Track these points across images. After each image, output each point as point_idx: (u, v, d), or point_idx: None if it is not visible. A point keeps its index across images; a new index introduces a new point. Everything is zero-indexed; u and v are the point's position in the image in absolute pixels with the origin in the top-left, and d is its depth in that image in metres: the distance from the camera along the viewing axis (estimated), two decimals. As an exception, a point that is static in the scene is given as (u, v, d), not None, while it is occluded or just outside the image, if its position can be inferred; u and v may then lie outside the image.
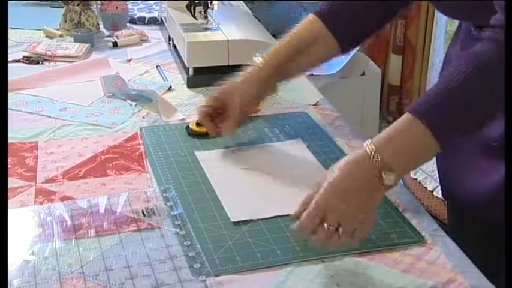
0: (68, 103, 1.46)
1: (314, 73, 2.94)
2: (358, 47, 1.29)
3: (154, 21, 1.98)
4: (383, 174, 0.91)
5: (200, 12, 1.66)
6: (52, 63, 1.69)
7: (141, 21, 1.98)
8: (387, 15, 1.23)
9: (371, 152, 0.92)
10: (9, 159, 1.21)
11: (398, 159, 0.92)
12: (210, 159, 1.21)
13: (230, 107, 1.23)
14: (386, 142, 0.93)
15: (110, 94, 1.50)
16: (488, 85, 0.91)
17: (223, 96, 1.25)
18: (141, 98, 1.47)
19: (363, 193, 0.92)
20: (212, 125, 1.26)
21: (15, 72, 1.57)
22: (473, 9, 1.00)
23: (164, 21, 1.85)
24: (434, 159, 2.05)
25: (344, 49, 1.22)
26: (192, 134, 1.31)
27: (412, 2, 1.23)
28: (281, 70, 1.22)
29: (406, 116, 0.94)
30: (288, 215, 1.04)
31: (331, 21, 1.19)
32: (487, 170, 1.03)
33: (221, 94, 1.26)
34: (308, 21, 1.21)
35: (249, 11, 1.95)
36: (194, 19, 1.66)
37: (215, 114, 1.26)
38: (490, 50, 0.91)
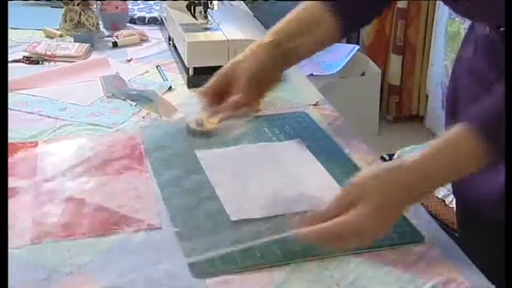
0: (68, 103, 1.46)
1: (314, 73, 2.95)
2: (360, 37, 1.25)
3: (154, 21, 1.98)
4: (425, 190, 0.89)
5: (200, 12, 1.66)
6: (52, 63, 1.69)
7: (141, 21, 1.98)
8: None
9: (411, 164, 0.88)
10: (9, 159, 1.20)
11: (441, 173, 0.88)
12: (210, 159, 1.21)
13: (235, 84, 1.12)
14: (430, 156, 0.88)
15: (110, 94, 1.50)
16: None
17: (225, 75, 1.15)
18: (141, 98, 1.47)
19: (398, 214, 0.89)
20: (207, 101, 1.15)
21: (15, 72, 1.57)
22: (487, 9, 1.00)
23: (164, 21, 1.85)
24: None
25: (345, 32, 1.19)
26: (192, 133, 1.31)
27: None
28: (285, 47, 1.15)
29: (459, 128, 0.89)
30: (288, 214, 1.04)
31: (332, 2, 1.15)
32: (499, 167, 1.02)
33: (223, 74, 1.16)
34: (309, 4, 1.17)
35: (249, 11, 1.95)
36: (194, 19, 1.66)
37: (218, 100, 1.14)
38: None
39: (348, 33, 1.22)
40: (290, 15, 1.17)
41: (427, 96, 3.36)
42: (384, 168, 0.90)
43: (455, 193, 1.21)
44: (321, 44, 1.19)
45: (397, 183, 0.87)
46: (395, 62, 3.35)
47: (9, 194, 1.09)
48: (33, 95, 1.50)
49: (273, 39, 1.14)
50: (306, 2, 1.18)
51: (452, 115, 1.21)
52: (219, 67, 1.54)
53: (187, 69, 1.56)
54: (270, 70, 1.14)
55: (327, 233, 0.87)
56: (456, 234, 1.69)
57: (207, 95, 1.15)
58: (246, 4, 2.05)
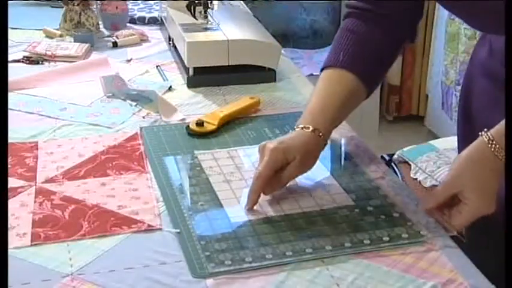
0: (68, 103, 1.46)
1: (314, 73, 2.95)
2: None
3: (154, 21, 1.98)
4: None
5: (200, 12, 1.66)
6: (52, 63, 1.69)
7: (141, 21, 1.98)
8: (397, 48, 1.26)
9: (489, 140, 0.97)
10: (9, 159, 1.20)
11: None
12: (210, 159, 1.21)
13: (286, 173, 1.09)
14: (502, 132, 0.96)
15: (110, 94, 1.50)
16: None
17: (281, 159, 1.09)
18: (141, 98, 1.47)
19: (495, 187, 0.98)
20: (257, 198, 1.08)
21: (15, 72, 1.57)
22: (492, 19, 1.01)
23: (164, 21, 1.85)
24: (434, 159, 2.05)
25: (370, 94, 1.22)
26: (192, 134, 1.31)
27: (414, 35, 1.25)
28: (329, 130, 1.16)
29: None
30: (288, 214, 1.05)
31: (363, 74, 1.18)
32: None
33: (279, 157, 1.08)
34: (341, 80, 1.18)
35: (249, 11, 1.95)
36: (194, 19, 1.66)
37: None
38: None
39: (372, 92, 1.25)
40: (325, 98, 1.17)
41: (427, 96, 3.35)
42: (471, 156, 0.99)
43: None
44: (351, 111, 1.22)
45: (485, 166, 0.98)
46: (395, 62, 3.34)
47: (9, 194, 1.09)
48: (33, 95, 1.50)
49: (315, 129, 1.12)
50: (332, 75, 1.20)
51: (465, 114, 1.21)
52: (219, 67, 1.55)
53: (187, 69, 1.56)
54: (317, 152, 1.14)
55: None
56: (456, 235, 1.69)
57: (263, 178, 1.08)
58: (246, 4, 2.05)
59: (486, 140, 0.97)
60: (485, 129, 0.98)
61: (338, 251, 0.97)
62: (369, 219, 1.04)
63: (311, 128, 1.12)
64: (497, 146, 0.96)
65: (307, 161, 1.11)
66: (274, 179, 1.08)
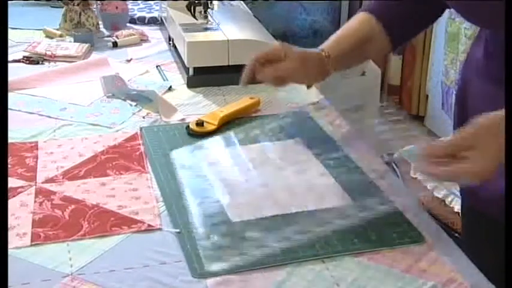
0: (68, 103, 1.46)
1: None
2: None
3: (154, 21, 1.98)
4: None
5: (200, 12, 1.66)
6: (52, 63, 1.69)
7: (141, 21, 1.99)
8: (436, 12, 1.24)
9: None
10: (9, 159, 1.21)
11: None
12: (210, 159, 1.21)
13: (282, 64, 1.17)
14: None
15: (110, 94, 1.50)
16: None
17: (280, 54, 1.18)
18: (141, 98, 1.47)
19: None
20: (251, 74, 1.19)
21: (15, 72, 1.57)
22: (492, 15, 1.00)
23: (164, 21, 1.85)
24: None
25: (395, 47, 1.24)
26: (192, 134, 1.31)
27: None
28: (337, 62, 1.22)
29: None
30: (288, 214, 1.05)
31: (386, 20, 1.20)
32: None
33: (280, 51, 1.18)
34: (363, 19, 1.23)
35: (249, 11, 1.95)
36: (194, 19, 1.67)
37: (262, 63, 1.20)
38: None
39: (398, 46, 1.28)
40: (344, 30, 1.24)
41: (427, 96, 3.36)
42: (492, 121, 0.94)
43: (461, 195, 1.21)
44: (368, 58, 1.28)
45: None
46: (395, 62, 3.35)
47: (9, 194, 1.09)
48: (33, 95, 1.50)
49: (323, 49, 1.21)
50: (358, 16, 1.24)
51: (461, 114, 1.21)
52: (219, 67, 1.55)
53: (187, 69, 1.56)
54: (317, 74, 1.22)
55: (446, 174, 0.94)
56: (456, 235, 1.70)
57: (260, 59, 1.19)
58: (246, 4, 2.05)
59: None
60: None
61: (338, 251, 0.97)
62: (368, 217, 1.04)
63: (320, 48, 1.20)
64: None
65: (304, 66, 1.17)
66: (269, 67, 1.16)
